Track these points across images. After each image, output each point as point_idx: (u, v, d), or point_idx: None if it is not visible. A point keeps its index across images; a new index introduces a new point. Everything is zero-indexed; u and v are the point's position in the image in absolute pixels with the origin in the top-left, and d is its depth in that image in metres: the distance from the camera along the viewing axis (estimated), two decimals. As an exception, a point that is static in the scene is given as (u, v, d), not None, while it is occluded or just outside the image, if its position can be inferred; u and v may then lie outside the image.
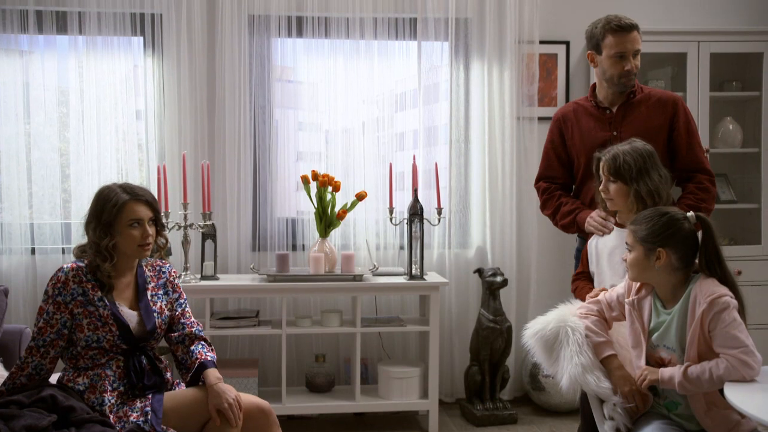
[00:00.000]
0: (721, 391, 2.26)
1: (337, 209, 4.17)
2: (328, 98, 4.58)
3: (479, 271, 4.37)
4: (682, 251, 2.43)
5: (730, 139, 4.62)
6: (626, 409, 2.48)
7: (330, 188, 4.15)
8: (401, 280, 4.16)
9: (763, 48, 4.49)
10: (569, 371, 2.52)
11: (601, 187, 2.86)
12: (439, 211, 4.24)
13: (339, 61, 4.54)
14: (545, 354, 2.63)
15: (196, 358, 2.71)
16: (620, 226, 2.89)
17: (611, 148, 2.86)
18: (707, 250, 2.43)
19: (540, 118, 4.66)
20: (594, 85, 3.32)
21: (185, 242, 3.95)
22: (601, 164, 2.85)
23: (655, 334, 2.47)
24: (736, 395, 2.12)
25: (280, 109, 4.61)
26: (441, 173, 4.39)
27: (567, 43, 4.76)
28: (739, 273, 4.19)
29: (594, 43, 3.19)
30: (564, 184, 3.35)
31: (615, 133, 3.15)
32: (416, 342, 4.50)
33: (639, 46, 3.13)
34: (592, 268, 2.98)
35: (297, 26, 4.48)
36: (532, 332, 2.66)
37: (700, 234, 2.47)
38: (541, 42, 4.65)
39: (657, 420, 2.44)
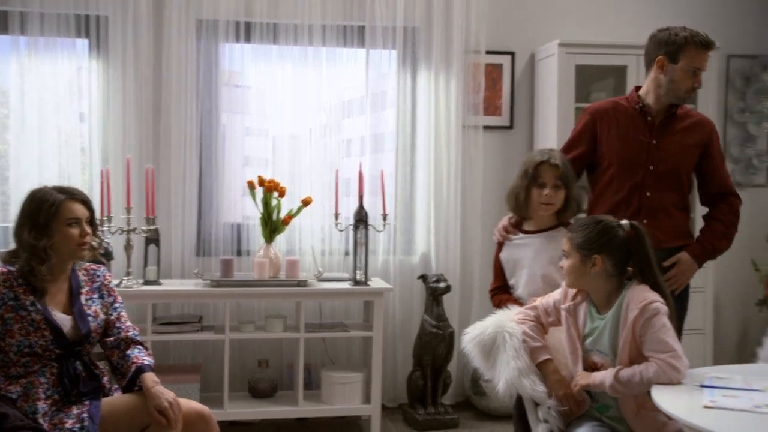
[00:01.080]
0: (650, 393, 2.33)
1: (282, 215, 4.18)
2: (276, 104, 4.59)
3: (423, 278, 4.42)
4: (616, 258, 2.50)
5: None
6: (560, 412, 2.54)
7: (276, 194, 4.15)
8: (346, 285, 4.17)
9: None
10: (506, 375, 2.57)
11: (546, 192, 2.89)
12: (384, 218, 4.28)
13: (287, 68, 4.55)
14: (483, 358, 2.68)
15: (132, 363, 2.68)
16: (529, 232, 2.97)
17: (543, 152, 2.95)
18: (640, 257, 2.51)
19: (485, 127, 4.74)
20: (638, 88, 3.23)
21: (128, 247, 3.91)
22: (547, 168, 2.90)
23: (589, 339, 2.54)
24: (663, 398, 2.18)
25: (227, 114, 4.60)
26: (387, 180, 4.44)
27: (512, 54, 4.86)
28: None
29: (671, 51, 3.05)
30: None
31: (654, 141, 3.11)
32: (360, 347, 4.52)
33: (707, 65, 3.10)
34: (512, 280, 3.02)
35: (245, 32, 4.48)
36: (471, 337, 2.71)
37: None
38: (487, 52, 4.73)
39: (589, 422, 2.51)
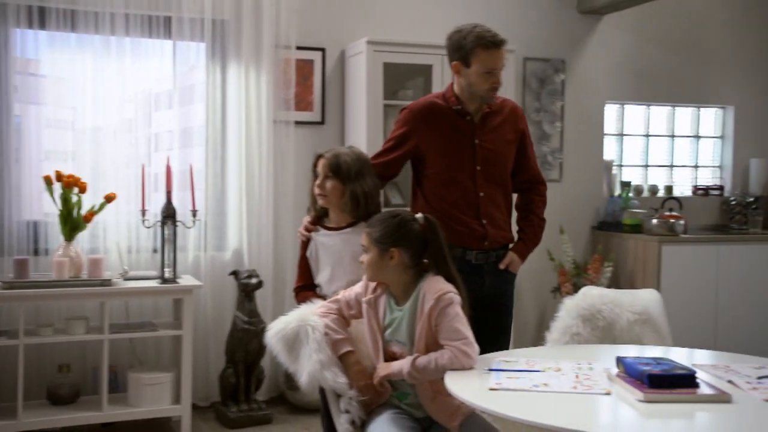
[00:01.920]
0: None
1: (84, 211, 3.99)
2: (77, 95, 4.38)
3: (235, 273, 4.38)
4: (412, 250, 2.59)
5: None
6: (361, 401, 2.61)
7: (76, 189, 3.96)
8: (153, 284, 4.06)
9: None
10: (308, 369, 2.59)
11: (317, 183, 2.96)
12: (194, 213, 4.21)
13: (88, 57, 4.34)
14: (287, 353, 2.69)
15: None
16: (331, 228, 3.03)
17: (333, 148, 3.01)
18: (434, 249, 2.62)
19: (296, 122, 4.77)
20: (452, 85, 3.13)
21: None
22: (321, 161, 2.97)
23: (389, 330, 2.61)
24: (454, 382, 2.29)
25: (22, 104, 4.33)
26: (197, 175, 4.37)
27: (323, 50, 4.91)
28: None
29: (462, 55, 2.98)
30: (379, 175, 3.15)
31: (477, 141, 3.08)
32: (170, 346, 4.41)
33: (504, 62, 3.01)
34: (318, 277, 3.05)
35: (39, 17, 4.21)
36: (274, 332, 2.71)
37: None
38: (298, 48, 4.76)
39: (388, 410, 2.59)
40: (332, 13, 4.94)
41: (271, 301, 4.63)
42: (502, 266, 3.16)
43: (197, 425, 4.24)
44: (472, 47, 2.95)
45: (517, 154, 3.20)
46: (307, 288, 3.07)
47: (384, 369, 2.55)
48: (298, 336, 2.65)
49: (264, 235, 4.65)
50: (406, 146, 3.14)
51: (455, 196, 3.10)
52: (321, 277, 3.03)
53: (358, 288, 2.73)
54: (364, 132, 4.59)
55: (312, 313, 2.72)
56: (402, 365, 2.50)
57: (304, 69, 4.85)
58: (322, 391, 2.71)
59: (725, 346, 5.17)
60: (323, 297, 2.95)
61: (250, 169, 4.62)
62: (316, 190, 2.97)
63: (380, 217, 2.64)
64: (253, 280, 4.29)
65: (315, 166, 3.00)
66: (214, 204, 4.65)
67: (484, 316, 3.02)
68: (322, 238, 3.03)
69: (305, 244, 3.08)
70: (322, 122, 4.92)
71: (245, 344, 4.27)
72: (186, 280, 4.21)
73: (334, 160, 2.93)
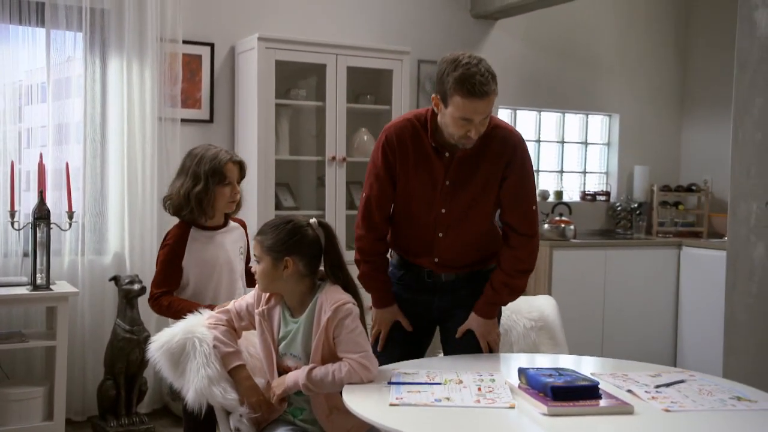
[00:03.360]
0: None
1: (-57, 212, 3.65)
2: (-64, 84, 4.01)
3: (115, 279, 4.12)
4: (308, 258, 2.46)
5: (363, 149, 4.86)
6: (252, 418, 2.45)
7: (-66, 188, 3.62)
8: (23, 290, 3.77)
9: (392, 66, 4.81)
10: (195, 384, 2.42)
11: (237, 189, 2.99)
12: (71, 215, 3.94)
13: (-52, 42, 3.99)
14: (172, 367, 2.51)
15: None
16: (209, 228, 2.98)
17: (221, 150, 2.97)
18: (330, 256, 2.49)
19: (183, 120, 4.54)
20: (432, 112, 2.67)
21: None
22: (236, 167, 2.98)
23: (283, 343, 2.48)
24: (352, 398, 2.18)
25: None
26: (74, 174, 4.13)
27: (212, 45, 4.70)
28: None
29: (441, 92, 2.54)
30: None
31: (448, 182, 2.67)
32: (42, 358, 4.10)
33: (489, 110, 2.54)
34: (196, 280, 2.96)
35: None
36: (158, 345, 2.52)
37: None
38: (185, 42, 4.53)
39: (282, 426, 2.45)
40: (222, 7, 4.73)
41: (154, 309, 4.38)
42: (458, 335, 2.79)
43: (72, 442, 3.97)
44: (451, 88, 2.50)
45: (500, 191, 2.73)
46: (171, 295, 2.96)
47: (279, 386, 2.41)
48: (185, 349, 2.48)
49: (147, 238, 4.39)
50: (385, 178, 2.73)
51: (415, 234, 2.78)
52: (203, 280, 2.95)
53: (249, 298, 2.58)
54: (254, 132, 4.42)
55: (200, 325, 2.54)
56: (297, 376, 2.37)
57: (191, 64, 4.62)
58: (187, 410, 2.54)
59: (611, 350, 5.30)
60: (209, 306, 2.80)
61: (132, 169, 4.36)
62: (234, 198, 2.97)
63: (272, 224, 2.50)
64: (136, 286, 4.04)
65: (223, 171, 2.91)
66: (93, 205, 4.36)
67: (446, 329, 2.89)
68: (203, 239, 2.97)
69: (178, 244, 2.93)
70: (210, 120, 4.71)
71: (126, 354, 4.02)
72: (61, 286, 3.93)
73: (244, 164, 3.01)
